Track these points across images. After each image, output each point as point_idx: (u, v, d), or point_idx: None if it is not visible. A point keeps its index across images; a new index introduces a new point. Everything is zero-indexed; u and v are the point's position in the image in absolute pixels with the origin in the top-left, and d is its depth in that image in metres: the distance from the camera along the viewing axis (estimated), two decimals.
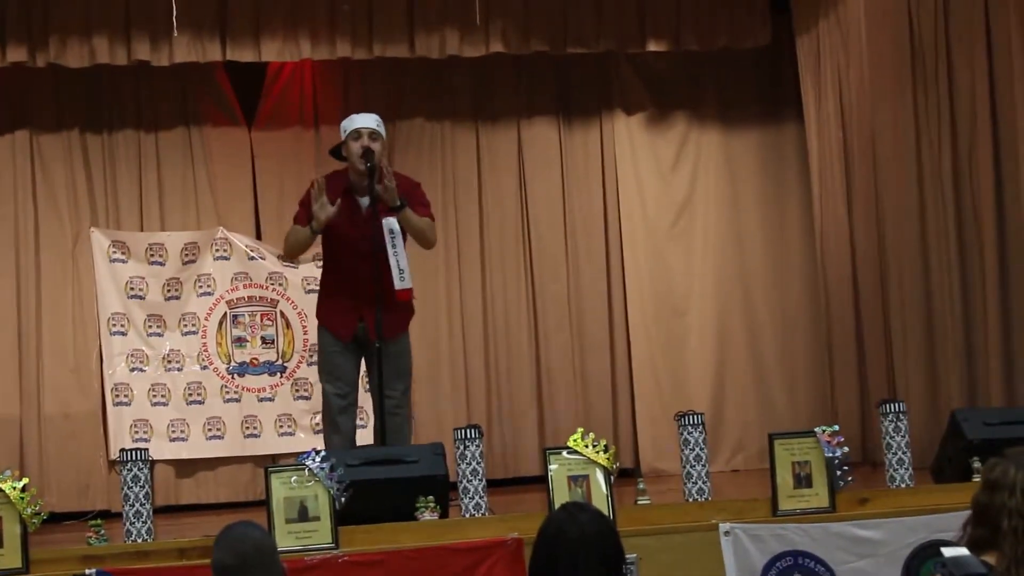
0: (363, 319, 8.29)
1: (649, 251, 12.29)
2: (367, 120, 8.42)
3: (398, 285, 8.22)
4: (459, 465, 7.39)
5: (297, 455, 7.36)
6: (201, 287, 11.46)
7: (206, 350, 11.44)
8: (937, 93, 10.65)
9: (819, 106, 11.98)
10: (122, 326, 11.29)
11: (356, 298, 8.30)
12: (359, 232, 8.28)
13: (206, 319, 11.45)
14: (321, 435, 8.89)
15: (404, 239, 8.34)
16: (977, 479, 5.98)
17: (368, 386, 8.66)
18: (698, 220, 12.41)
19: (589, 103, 12.37)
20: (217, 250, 11.46)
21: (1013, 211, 10.24)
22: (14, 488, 6.78)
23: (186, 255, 11.48)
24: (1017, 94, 10.15)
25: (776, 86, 12.56)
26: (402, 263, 8.26)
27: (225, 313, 11.50)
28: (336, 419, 8.42)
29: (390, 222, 8.24)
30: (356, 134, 8.36)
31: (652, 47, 11.88)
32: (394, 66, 11.74)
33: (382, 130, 8.41)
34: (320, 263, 9.18)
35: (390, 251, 8.22)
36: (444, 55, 11.41)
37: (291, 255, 9.22)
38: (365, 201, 8.33)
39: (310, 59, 11.42)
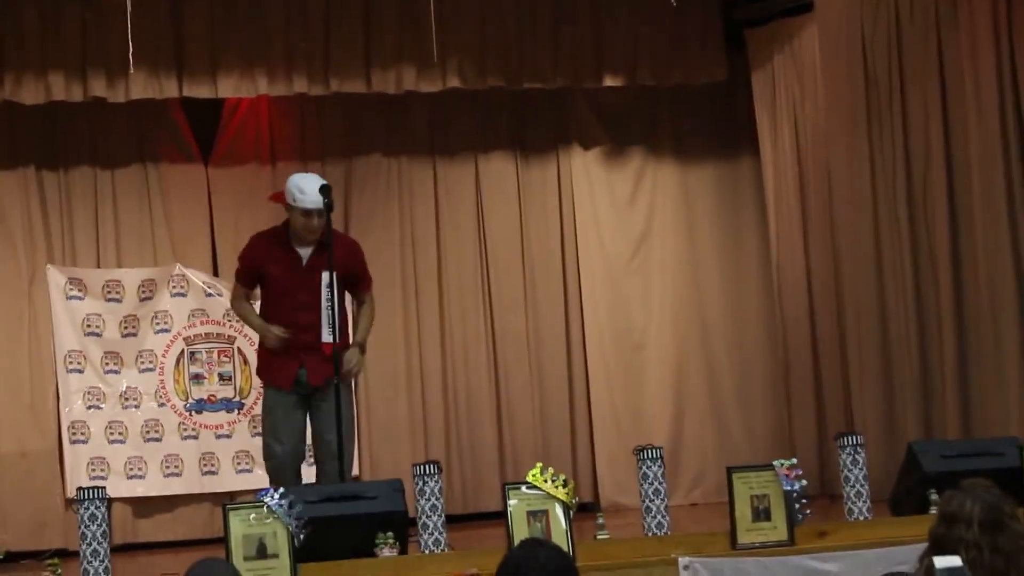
0: (303, 364, 8.35)
1: (607, 285, 12.30)
2: (317, 199, 8.43)
3: (324, 338, 8.32)
4: (418, 501, 7.39)
5: (255, 492, 7.34)
6: (158, 324, 11.43)
7: (164, 387, 11.39)
8: (892, 127, 10.74)
9: (775, 140, 12.05)
10: (79, 363, 11.24)
11: (296, 347, 8.37)
12: (299, 283, 8.39)
13: (163, 356, 11.41)
14: None
15: (342, 293, 8.47)
16: (935, 511, 6.00)
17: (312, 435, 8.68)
18: (655, 254, 12.44)
19: (546, 138, 12.40)
20: (174, 287, 11.42)
21: (967, 244, 10.34)
22: None
23: (143, 292, 11.44)
24: (971, 128, 10.26)
25: (732, 120, 12.60)
26: (332, 319, 8.33)
27: (183, 350, 11.46)
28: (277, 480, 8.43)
29: (328, 275, 8.33)
30: (306, 213, 8.42)
31: (608, 82, 11.92)
32: (351, 101, 11.75)
33: (329, 199, 8.44)
34: None
35: (324, 305, 8.31)
36: (401, 90, 11.43)
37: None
38: (305, 252, 8.45)
39: (267, 95, 11.41)
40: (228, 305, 11.33)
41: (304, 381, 8.43)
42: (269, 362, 8.64)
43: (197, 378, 11.44)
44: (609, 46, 11.81)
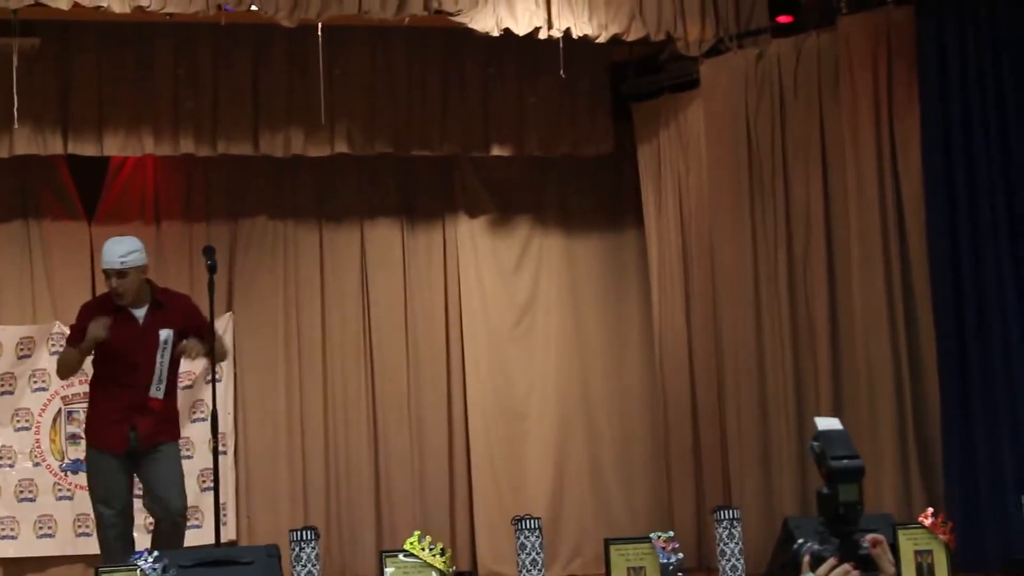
0: (134, 427, 8.30)
1: (490, 353, 12.31)
2: (111, 259, 8.43)
3: (152, 393, 8.28)
4: (294, 568, 7.35)
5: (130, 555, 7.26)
6: (35, 382, 11.29)
7: (39, 446, 11.25)
8: (774, 203, 10.89)
9: (659, 213, 12.15)
10: None
11: (127, 408, 8.31)
12: (134, 343, 8.32)
13: (40, 415, 11.28)
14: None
15: (173, 350, 8.40)
16: None
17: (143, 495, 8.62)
18: (539, 323, 12.48)
19: (432, 205, 12.41)
20: (53, 345, 11.29)
21: (846, 318, 10.48)
22: None
23: (21, 350, 11.31)
24: (850, 204, 10.44)
25: (618, 192, 12.70)
26: (163, 375, 8.31)
27: (60, 409, 11.33)
28: (112, 545, 8.36)
29: (165, 332, 8.31)
30: (105, 275, 8.46)
31: (496, 152, 11.99)
32: (238, 163, 11.72)
33: (132, 259, 8.42)
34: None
35: (158, 360, 8.30)
36: (288, 154, 11.43)
37: (66, 376, 9.04)
38: (140, 313, 8.40)
39: (153, 155, 11.35)
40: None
41: (134, 445, 8.37)
42: (99, 426, 8.55)
43: (73, 438, 11.29)
44: (497, 116, 11.89)
